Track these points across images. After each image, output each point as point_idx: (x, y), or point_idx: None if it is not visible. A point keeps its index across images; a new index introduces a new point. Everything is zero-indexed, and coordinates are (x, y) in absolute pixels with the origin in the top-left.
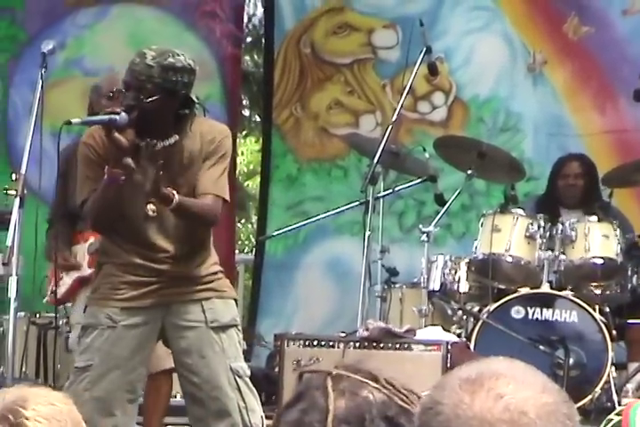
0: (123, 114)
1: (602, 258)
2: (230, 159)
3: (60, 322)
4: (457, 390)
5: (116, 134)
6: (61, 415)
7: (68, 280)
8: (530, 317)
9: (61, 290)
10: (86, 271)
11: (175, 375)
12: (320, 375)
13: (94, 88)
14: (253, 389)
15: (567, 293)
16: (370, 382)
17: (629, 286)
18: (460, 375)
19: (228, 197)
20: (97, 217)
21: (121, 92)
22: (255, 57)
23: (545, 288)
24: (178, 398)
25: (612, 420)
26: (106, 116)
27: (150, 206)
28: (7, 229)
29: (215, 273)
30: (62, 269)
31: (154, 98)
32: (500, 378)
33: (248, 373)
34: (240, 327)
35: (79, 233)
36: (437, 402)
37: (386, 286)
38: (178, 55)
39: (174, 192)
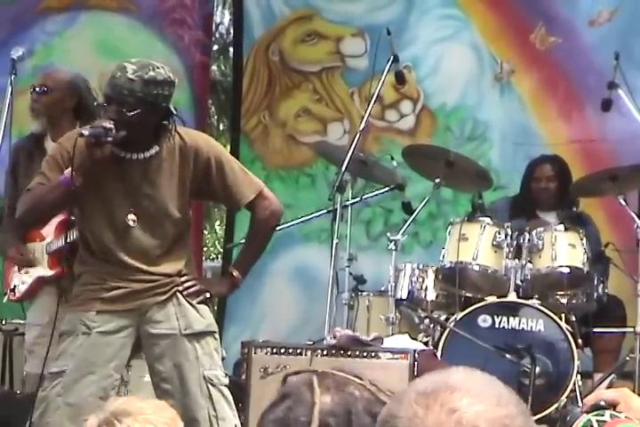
0: (114, 131)
1: (568, 267)
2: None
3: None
4: (412, 404)
5: (97, 149)
6: None
7: (28, 279)
8: (496, 325)
9: (22, 288)
10: (48, 272)
11: None
12: (305, 375)
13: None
14: (229, 397)
15: (534, 301)
16: (355, 379)
17: (595, 294)
18: (417, 388)
19: (263, 186)
20: (27, 211)
21: (102, 106)
22: (222, 66)
23: (512, 297)
24: None
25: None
26: (102, 131)
27: (130, 216)
28: None
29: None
30: (18, 264)
31: (136, 111)
32: (454, 392)
33: (224, 381)
34: (217, 335)
35: (34, 230)
36: (393, 416)
37: (353, 294)
38: (158, 68)
39: (234, 273)
